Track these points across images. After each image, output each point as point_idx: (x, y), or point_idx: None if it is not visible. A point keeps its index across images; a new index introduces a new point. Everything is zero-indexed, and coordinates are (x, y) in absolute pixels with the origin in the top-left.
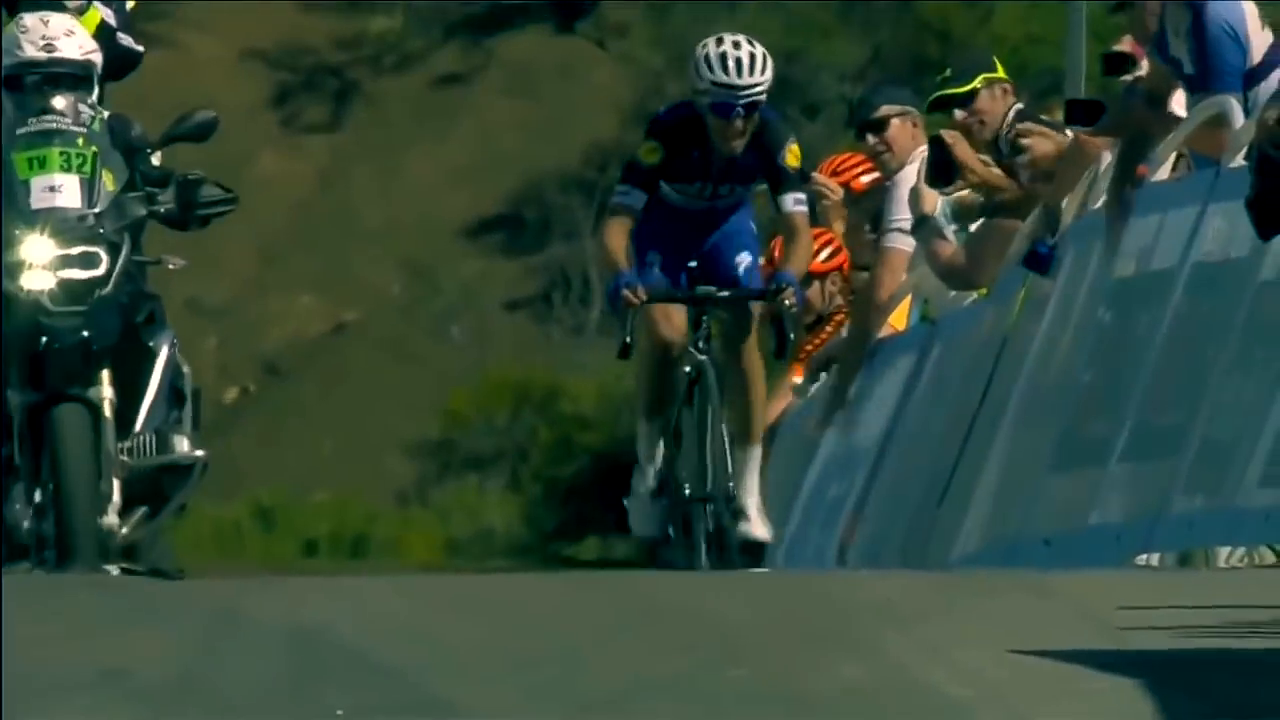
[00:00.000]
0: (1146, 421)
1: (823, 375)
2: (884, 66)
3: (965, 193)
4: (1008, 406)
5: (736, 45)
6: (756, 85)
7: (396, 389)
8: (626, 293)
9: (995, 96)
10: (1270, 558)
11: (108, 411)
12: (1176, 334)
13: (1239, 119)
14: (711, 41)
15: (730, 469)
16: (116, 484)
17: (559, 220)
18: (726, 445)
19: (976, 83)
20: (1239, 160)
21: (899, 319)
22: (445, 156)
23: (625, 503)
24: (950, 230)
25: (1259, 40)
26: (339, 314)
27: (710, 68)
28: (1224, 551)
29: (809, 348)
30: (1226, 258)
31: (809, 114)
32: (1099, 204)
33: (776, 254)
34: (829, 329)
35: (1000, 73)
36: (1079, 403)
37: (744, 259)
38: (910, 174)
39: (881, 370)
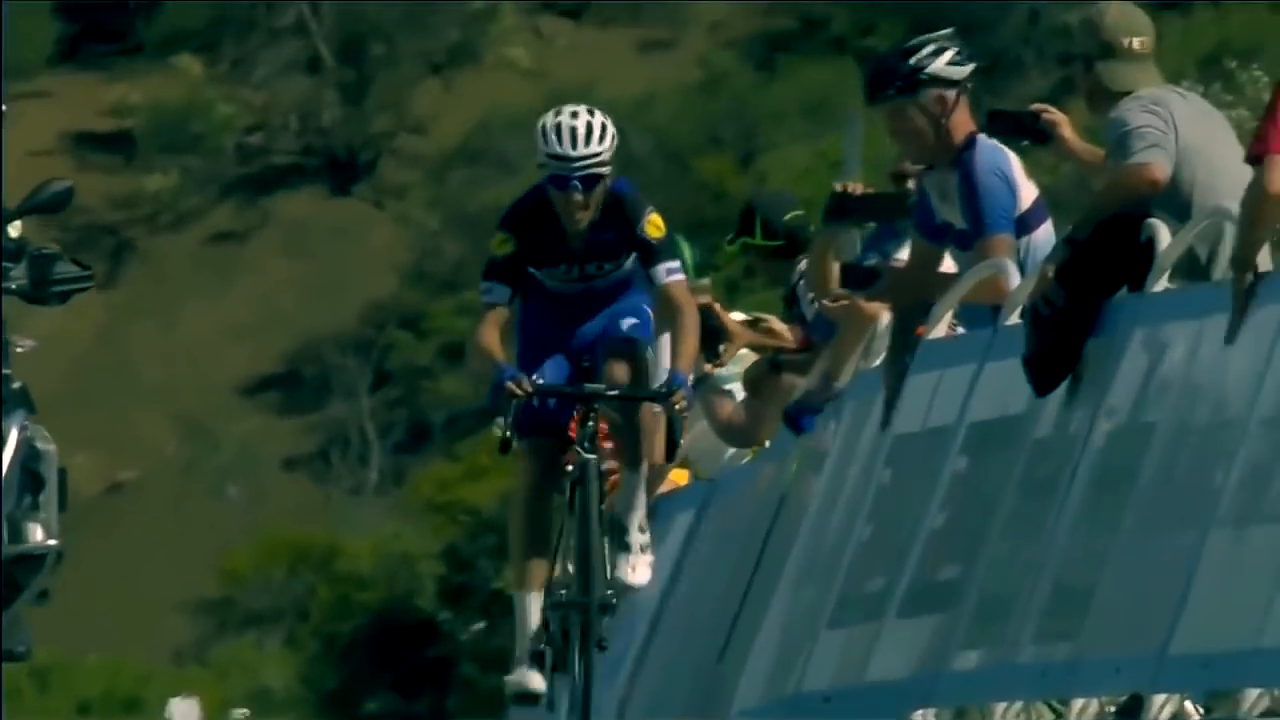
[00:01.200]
0: (924, 577)
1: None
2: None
3: (744, 351)
4: (786, 562)
5: (574, 115)
6: (594, 156)
7: (173, 548)
8: (510, 384)
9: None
10: (1048, 714)
11: None
12: (954, 490)
13: (1015, 279)
14: (550, 114)
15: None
16: None
17: (337, 379)
18: (606, 551)
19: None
20: (1015, 318)
21: (680, 475)
22: (223, 314)
23: (507, 688)
24: (733, 386)
25: (1027, 189)
26: (115, 472)
27: (545, 139)
28: (1000, 707)
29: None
30: (1003, 414)
31: None
32: (877, 362)
33: None
34: (614, 478)
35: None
36: (857, 558)
37: (628, 321)
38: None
39: (661, 526)
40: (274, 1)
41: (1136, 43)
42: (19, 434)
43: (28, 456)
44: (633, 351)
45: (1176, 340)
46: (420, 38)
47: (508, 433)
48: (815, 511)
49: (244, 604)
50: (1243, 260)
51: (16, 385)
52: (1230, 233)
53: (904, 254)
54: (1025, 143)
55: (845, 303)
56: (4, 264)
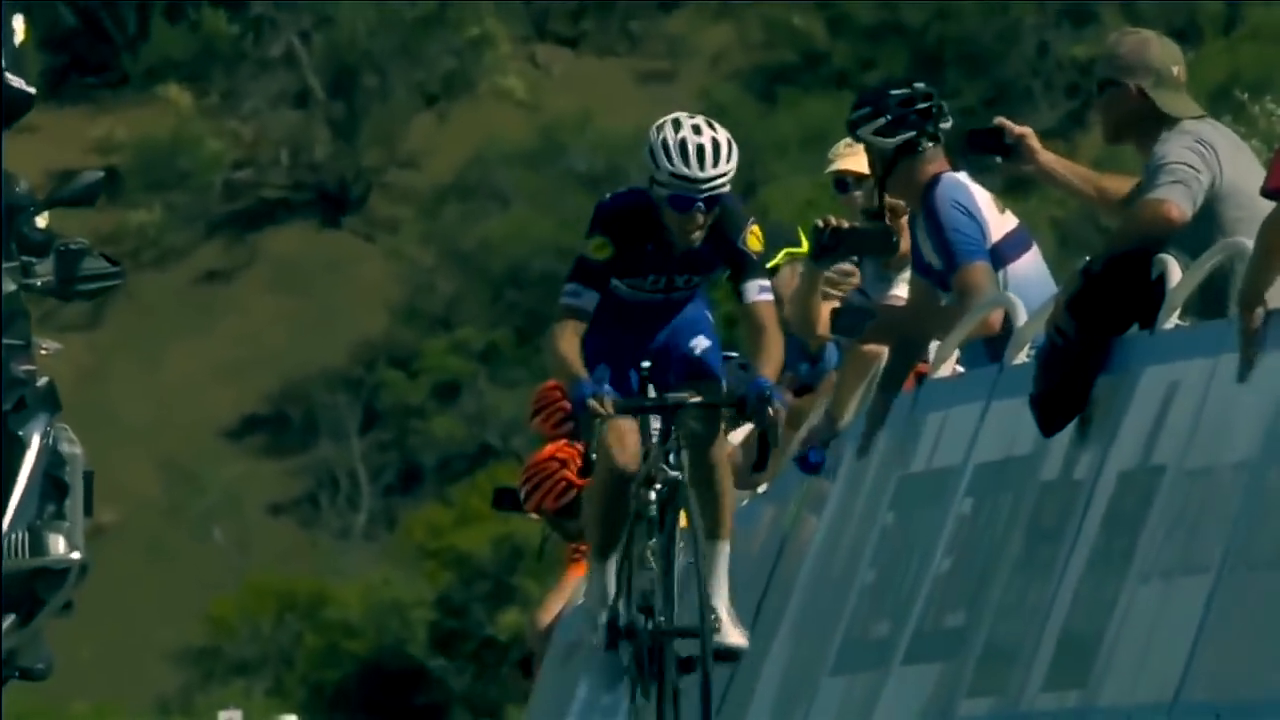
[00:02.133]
0: (930, 622)
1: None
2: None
3: None
4: (787, 606)
5: (698, 130)
6: (720, 176)
7: (157, 594)
8: (592, 403)
9: (795, 272)
10: None
11: None
12: (960, 533)
13: (1023, 316)
14: (669, 125)
15: (704, 590)
16: None
17: (325, 420)
18: (701, 574)
19: (779, 258)
20: (1021, 357)
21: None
22: (208, 354)
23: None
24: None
25: (997, 221)
26: (98, 515)
27: (669, 156)
28: None
29: (584, 546)
30: (1010, 455)
31: None
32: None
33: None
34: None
35: (804, 247)
36: (861, 603)
37: (700, 342)
38: None
39: None
40: (263, 32)
41: (1179, 71)
42: (41, 441)
43: (51, 463)
44: (709, 375)
45: (1188, 379)
46: (413, 68)
47: (593, 454)
48: (817, 555)
49: (230, 652)
50: (1252, 296)
51: (42, 382)
52: (1240, 269)
53: (898, 290)
54: (999, 159)
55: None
56: (28, 259)
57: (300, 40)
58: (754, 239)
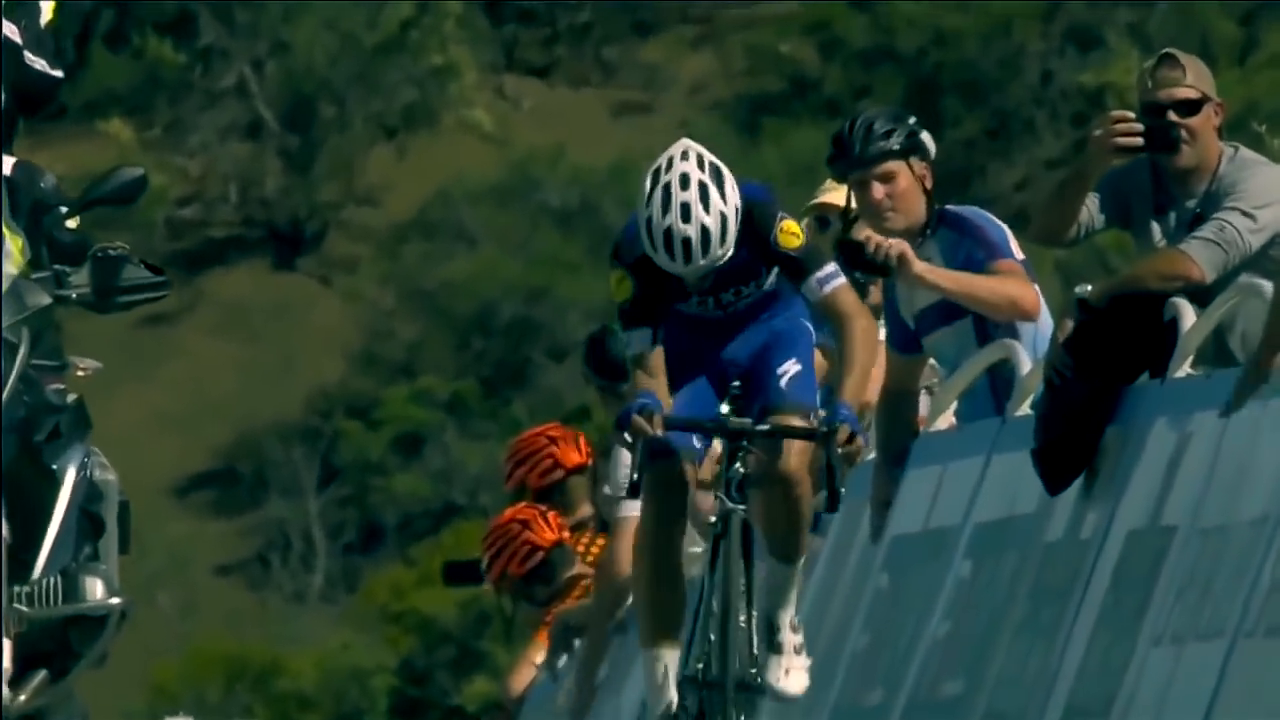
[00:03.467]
0: (926, 690)
1: (577, 643)
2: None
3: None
4: None
5: (686, 214)
6: (714, 261)
7: None
8: (638, 418)
9: None
10: None
11: None
12: (958, 596)
13: (1025, 364)
14: (658, 197)
15: (756, 625)
16: (7, 645)
17: (277, 475)
18: (753, 623)
19: None
20: (1025, 408)
21: None
22: (151, 403)
23: None
24: None
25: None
26: None
27: (652, 244)
28: None
29: (552, 612)
30: (1012, 514)
31: (555, 357)
32: (870, 457)
33: None
34: (577, 592)
35: None
36: (852, 670)
37: (789, 367)
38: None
39: (631, 642)
40: (213, 62)
41: None
42: (77, 474)
43: (87, 495)
44: (794, 407)
45: (1201, 432)
46: (372, 99)
47: (635, 474)
48: (805, 618)
49: None
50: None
51: (72, 399)
52: (1255, 310)
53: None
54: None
55: None
56: (61, 268)
57: (252, 69)
58: (788, 235)
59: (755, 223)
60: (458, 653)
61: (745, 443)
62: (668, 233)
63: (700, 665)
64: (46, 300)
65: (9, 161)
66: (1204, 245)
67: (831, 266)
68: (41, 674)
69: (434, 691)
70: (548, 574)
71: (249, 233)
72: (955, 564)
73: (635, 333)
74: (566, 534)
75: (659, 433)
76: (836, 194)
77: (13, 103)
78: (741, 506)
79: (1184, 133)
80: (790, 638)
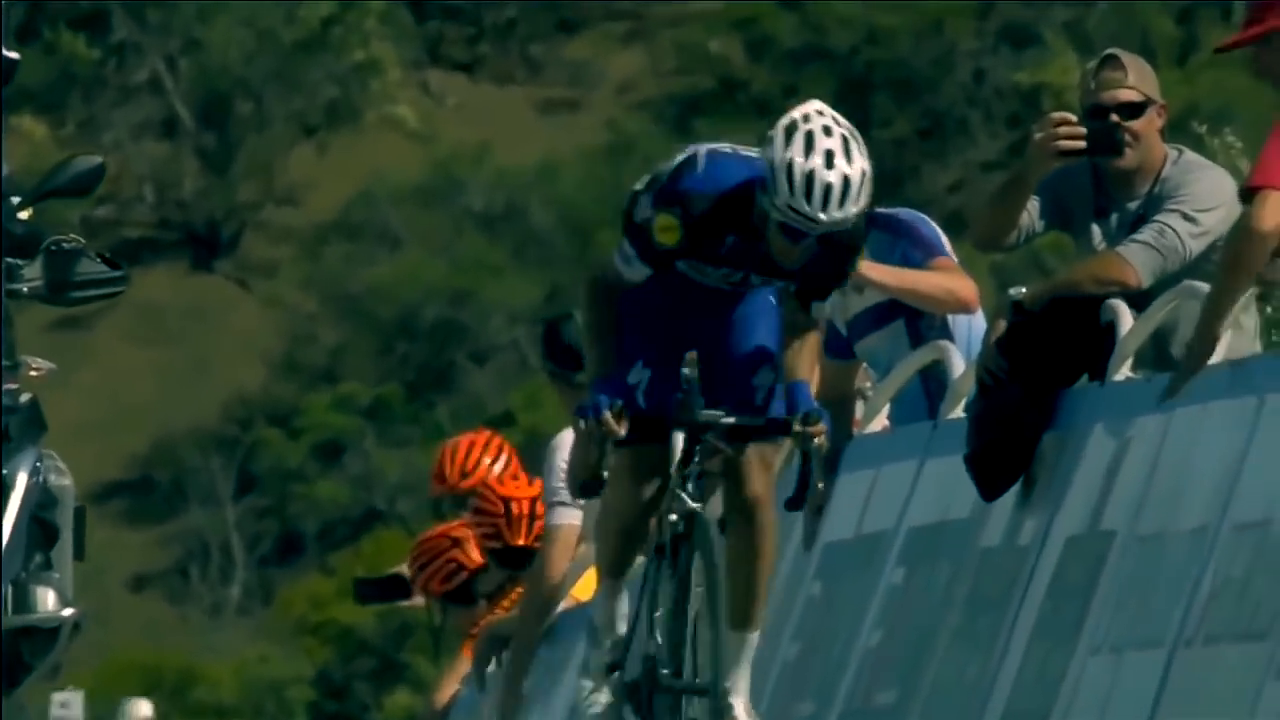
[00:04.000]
0: (859, 701)
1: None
2: (563, 306)
3: None
4: None
5: (830, 160)
6: (846, 220)
7: None
8: (608, 416)
9: None
10: None
11: None
12: (892, 604)
13: (959, 366)
14: (800, 141)
15: (718, 656)
16: None
17: (196, 483)
18: (721, 625)
19: None
20: (958, 411)
21: (584, 590)
22: (64, 410)
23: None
24: None
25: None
26: None
27: (790, 187)
28: None
29: (480, 623)
30: (946, 519)
31: (479, 361)
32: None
33: None
34: (505, 603)
35: None
36: (783, 681)
37: (764, 379)
38: (566, 439)
39: (565, 648)
40: (126, 57)
41: None
42: (29, 480)
43: (40, 502)
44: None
45: (1141, 436)
46: (292, 96)
47: (599, 473)
48: None
49: None
50: (1216, 313)
51: (25, 399)
52: (1194, 314)
53: None
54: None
55: None
56: (13, 260)
57: (167, 65)
58: (860, 261)
59: (846, 237)
60: (378, 664)
61: (708, 436)
62: (810, 176)
63: (662, 671)
64: None
65: None
66: (1142, 249)
67: (840, 285)
68: None
69: (353, 704)
70: (468, 597)
71: (165, 234)
72: (888, 571)
73: (640, 266)
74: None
75: (623, 433)
76: None
77: None
78: (700, 505)
79: (1127, 135)
80: (744, 714)
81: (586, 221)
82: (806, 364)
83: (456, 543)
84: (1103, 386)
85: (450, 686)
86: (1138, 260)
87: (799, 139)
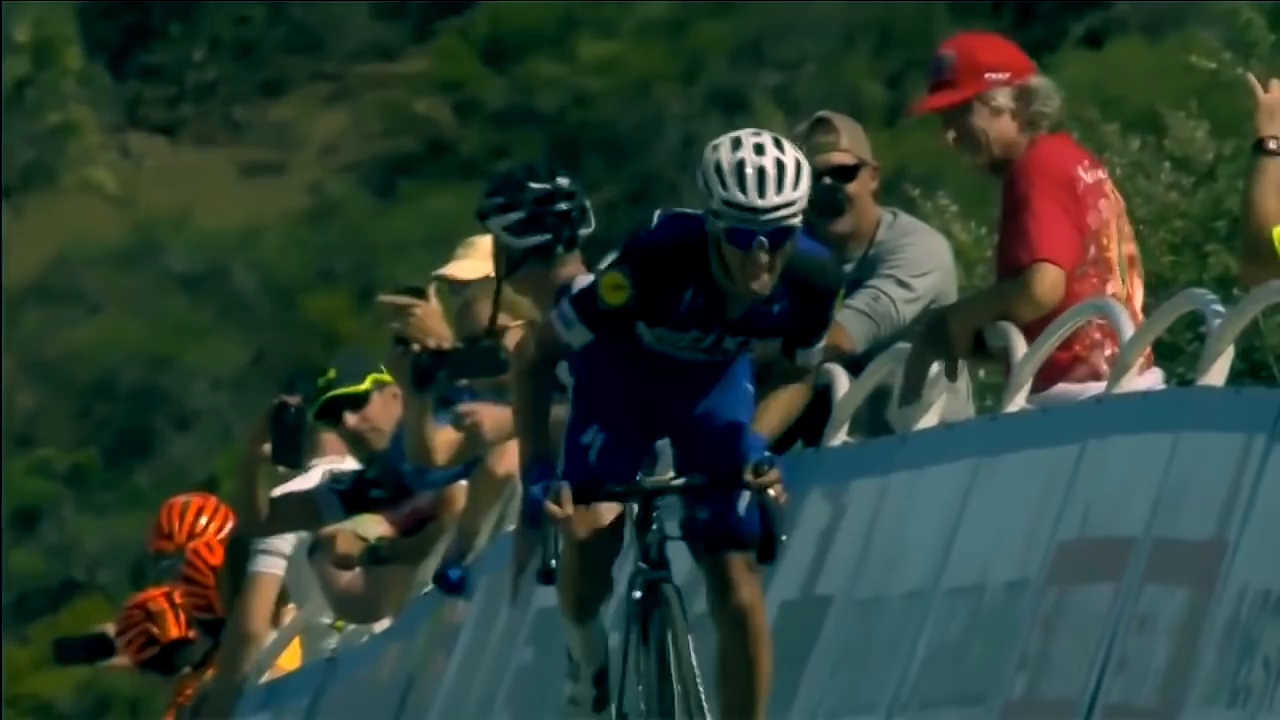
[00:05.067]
0: None
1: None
2: (267, 371)
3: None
4: None
5: (760, 149)
6: (788, 205)
7: None
8: (550, 507)
9: (387, 401)
10: None
11: None
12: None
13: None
14: (726, 144)
15: None
16: None
17: None
18: (702, 698)
19: (367, 384)
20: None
21: (291, 659)
22: None
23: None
24: None
25: None
26: None
27: (722, 181)
28: None
29: (187, 692)
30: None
31: (181, 425)
32: (514, 526)
33: None
34: (210, 669)
35: (387, 375)
36: None
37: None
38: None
39: (271, 717)
40: None
41: None
42: None
43: None
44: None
45: (857, 501)
46: None
47: (551, 562)
48: (447, 695)
49: None
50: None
51: None
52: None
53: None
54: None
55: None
56: None
57: None
58: (839, 303)
59: (814, 283)
60: None
61: (660, 499)
62: (740, 165)
63: None
64: None
65: None
66: (856, 316)
67: (823, 330)
68: None
69: None
70: (165, 668)
71: None
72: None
73: (581, 328)
74: (192, 633)
75: (570, 512)
76: (459, 265)
77: None
78: (664, 573)
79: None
80: None
81: (290, 284)
82: (773, 414)
83: (150, 616)
84: (819, 451)
85: None
86: (852, 327)
87: (726, 144)
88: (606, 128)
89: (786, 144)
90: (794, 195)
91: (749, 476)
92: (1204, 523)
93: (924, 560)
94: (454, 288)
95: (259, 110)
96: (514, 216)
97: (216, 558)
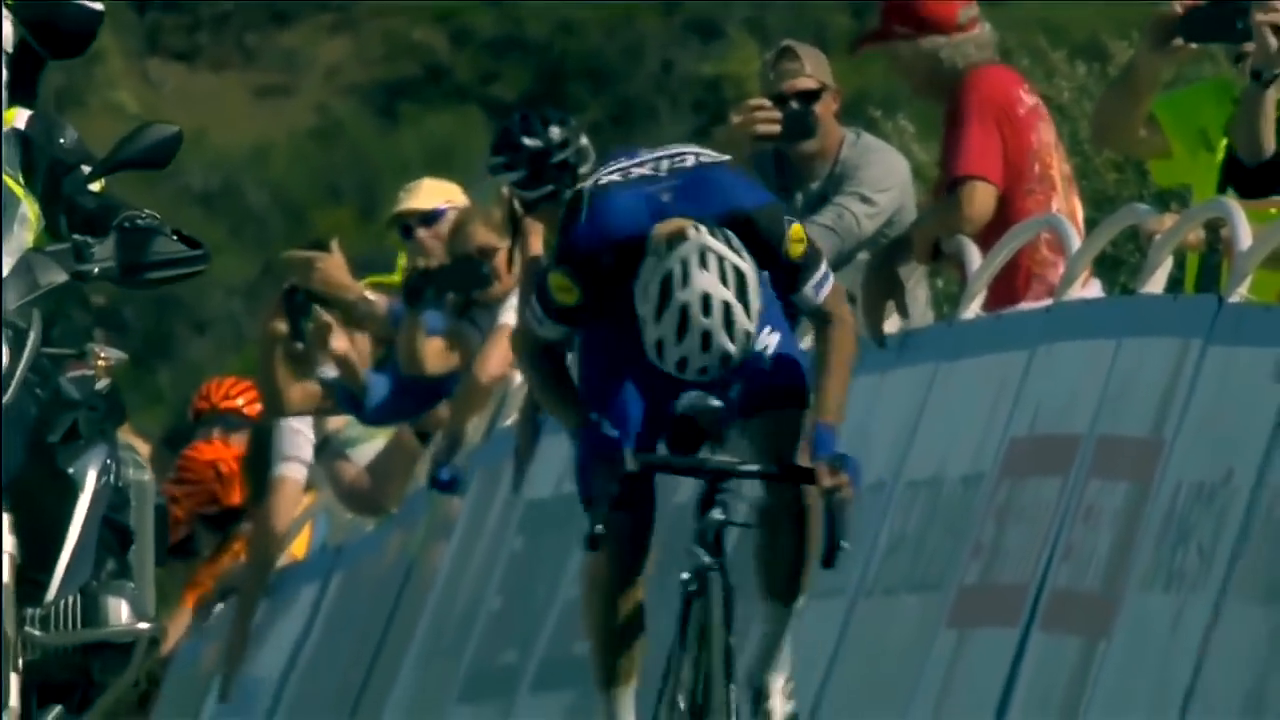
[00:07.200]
0: (559, 650)
1: (220, 606)
2: (276, 280)
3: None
4: (414, 634)
5: (707, 342)
6: (719, 361)
7: None
8: (629, 455)
9: (376, 301)
10: None
11: (4, 572)
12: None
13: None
14: (670, 322)
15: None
16: (14, 679)
17: None
18: (731, 698)
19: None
20: None
21: (299, 547)
22: None
23: None
24: (357, 449)
25: None
26: None
27: (662, 361)
28: None
29: (205, 581)
30: None
31: (198, 329)
32: (509, 422)
33: None
34: (226, 557)
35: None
36: (488, 630)
37: (771, 339)
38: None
39: (283, 602)
40: None
41: None
42: (99, 479)
43: (112, 503)
44: (788, 392)
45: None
46: None
47: (599, 527)
48: (444, 581)
49: None
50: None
51: (101, 385)
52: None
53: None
54: None
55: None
56: (83, 238)
57: None
58: (796, 244)
59: (761, 234)
60: None
61: (725, 484)
62: (683, 361)
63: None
64: (62, 277)
65: (24, 115)
66: (822, 232)
67: (824, 267)
68: (57, 709)
69: None
70: (189, 551)
71: None
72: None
73: (551, 324)
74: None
75: (635, 470)
76: (417, 197)
77: (37, 44)
78: (716, 560)
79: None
80: (780, 706)
81: (299, 200)
82: (834, 380)
83: (220, 477)
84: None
85: (173, 637)
86: (818, 241)
87: (672, 316)
88: (590, 56)
89: (738, 315)
90: (732, 348)
91: (823, 476)
92: (1144, 421)
93: (886, 455)
94: (404, 234)
95: (269, 38)
96: (517, 175)
97: (206, 454)
